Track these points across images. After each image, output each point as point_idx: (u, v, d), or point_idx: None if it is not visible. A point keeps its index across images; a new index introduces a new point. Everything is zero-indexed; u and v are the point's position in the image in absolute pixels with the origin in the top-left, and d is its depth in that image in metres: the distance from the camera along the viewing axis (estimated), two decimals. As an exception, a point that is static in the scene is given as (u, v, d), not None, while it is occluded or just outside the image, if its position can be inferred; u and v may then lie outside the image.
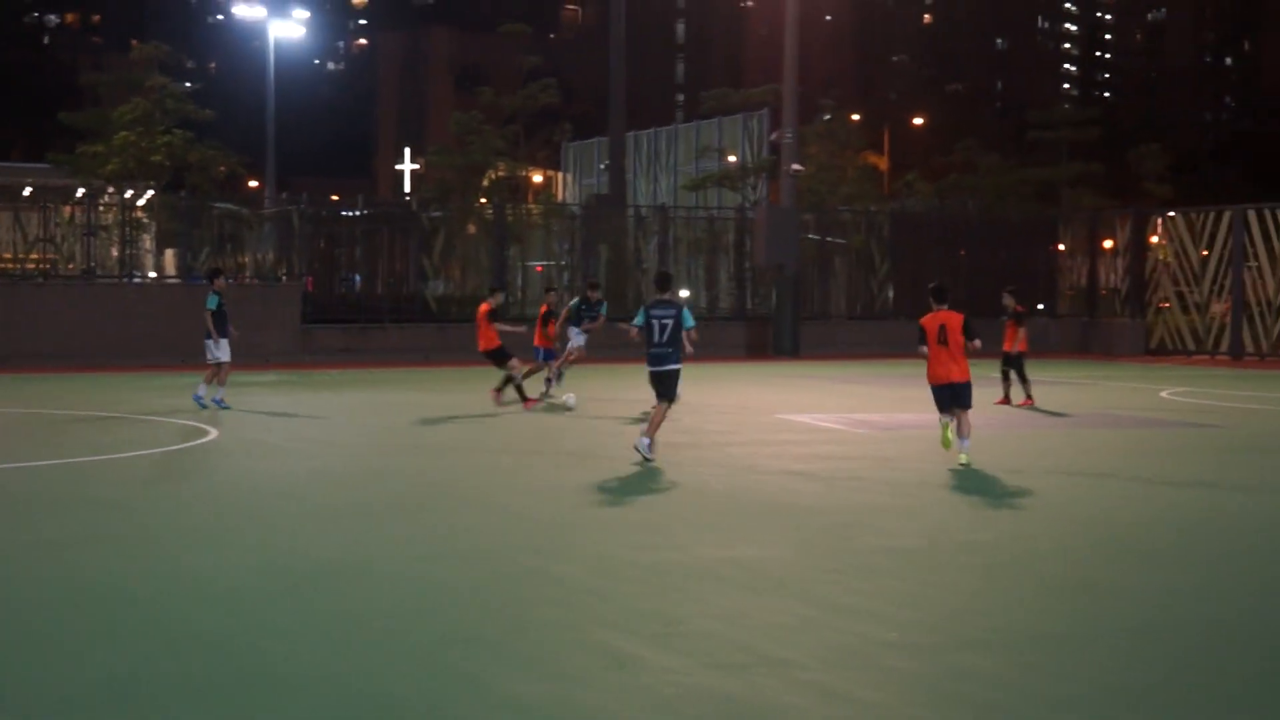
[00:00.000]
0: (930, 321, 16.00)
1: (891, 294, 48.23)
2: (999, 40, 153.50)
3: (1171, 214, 49.75)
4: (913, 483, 15.10)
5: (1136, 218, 50.48)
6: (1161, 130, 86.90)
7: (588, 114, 79.20)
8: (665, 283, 18.20)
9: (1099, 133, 67.26)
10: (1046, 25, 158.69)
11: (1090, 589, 9.83)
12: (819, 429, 20.86)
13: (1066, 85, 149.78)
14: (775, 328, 43.19)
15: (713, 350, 41.07)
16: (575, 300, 27.63)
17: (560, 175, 71.05)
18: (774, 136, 49.53)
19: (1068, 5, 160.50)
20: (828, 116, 61.10)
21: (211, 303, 22.65)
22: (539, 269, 45.96)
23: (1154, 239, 49.58)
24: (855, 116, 66.42)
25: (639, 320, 16.89)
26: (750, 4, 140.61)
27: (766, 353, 42.65)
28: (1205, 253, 46.47)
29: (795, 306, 42.89)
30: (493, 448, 18.72)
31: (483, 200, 49.43)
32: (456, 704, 7.01)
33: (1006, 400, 24.58)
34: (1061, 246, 52.29)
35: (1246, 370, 39.21)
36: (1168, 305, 47.01)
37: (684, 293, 46.14)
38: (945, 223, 51.58)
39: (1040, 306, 49.78)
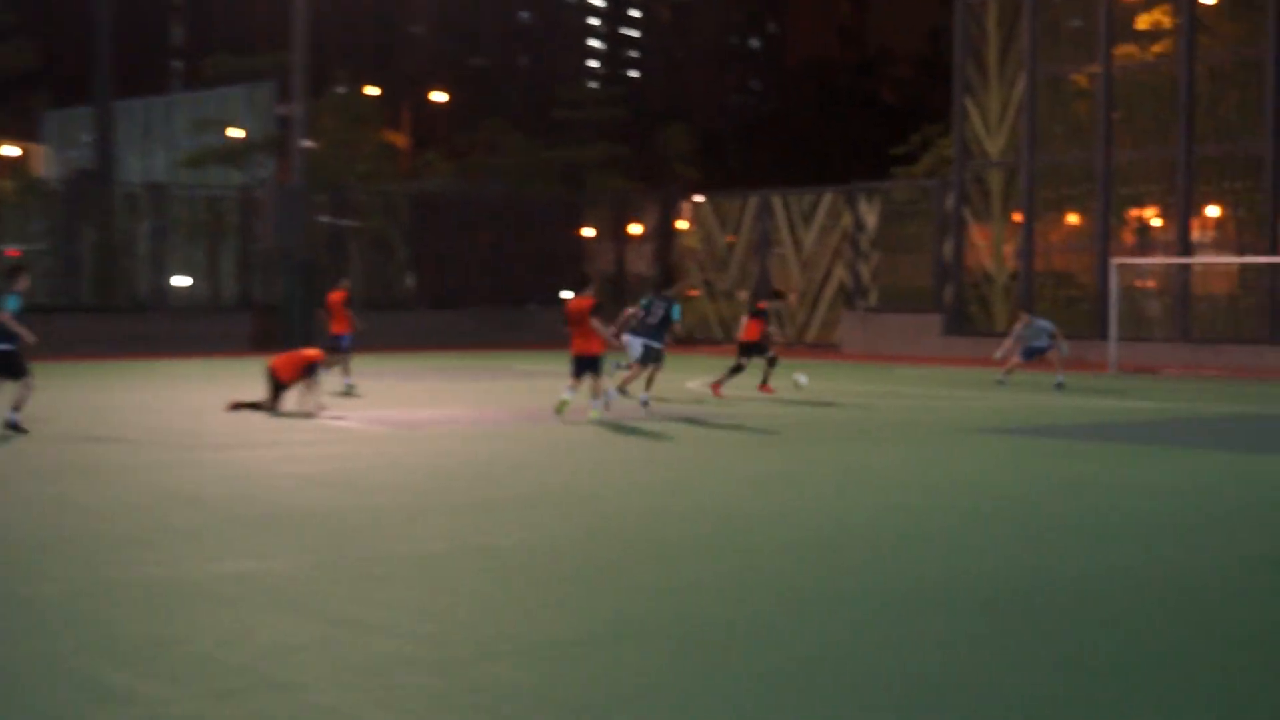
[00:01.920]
0: (572, 304, 20.60)
1: (413, 281, 48.41)
2: (523, 13, 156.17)
3: (699, 198, 51.54)
4: (430, 484, 15.14)
5: (664, 201, 52.15)
6: (689, 111, 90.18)
7: (72, 79, 76.40)
8: None
9: (626, 113, 69.40)
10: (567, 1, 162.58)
11: (611, 588, 10.01)
12: (334, 429, 20.59)
13: (593, 63, 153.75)
14: (285, 318, 42.38)
15: (217, 344, 40.29)
16: (648, 299, 24.64)
17: (39, 147, 68.66)
18: (282, 109, 48.91)
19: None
20: (342, 89, 61.15)
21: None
22: (13, 253, 43.92)
23: (680, 224, 51.20)
24: (372, 90, 66.50)
25: None
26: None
27: (276, 345, 41.99)
28: (732, 238, 48.24)
29: (307, 295, 42.21)
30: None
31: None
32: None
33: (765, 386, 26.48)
34: (589, 231, 53.39)
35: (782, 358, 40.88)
36: (696, 293, 48.58)
37: (185, 281, 45.07)
38: (468, 205, 52.03)
39: (566, 295, 50.80)
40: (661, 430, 20.78)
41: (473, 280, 49.11)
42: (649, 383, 22.92)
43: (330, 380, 23.80)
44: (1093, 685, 7.73)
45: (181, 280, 45.18)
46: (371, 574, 10.32)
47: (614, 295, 51.13)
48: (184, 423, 21.13)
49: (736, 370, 25.85)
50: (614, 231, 52.96)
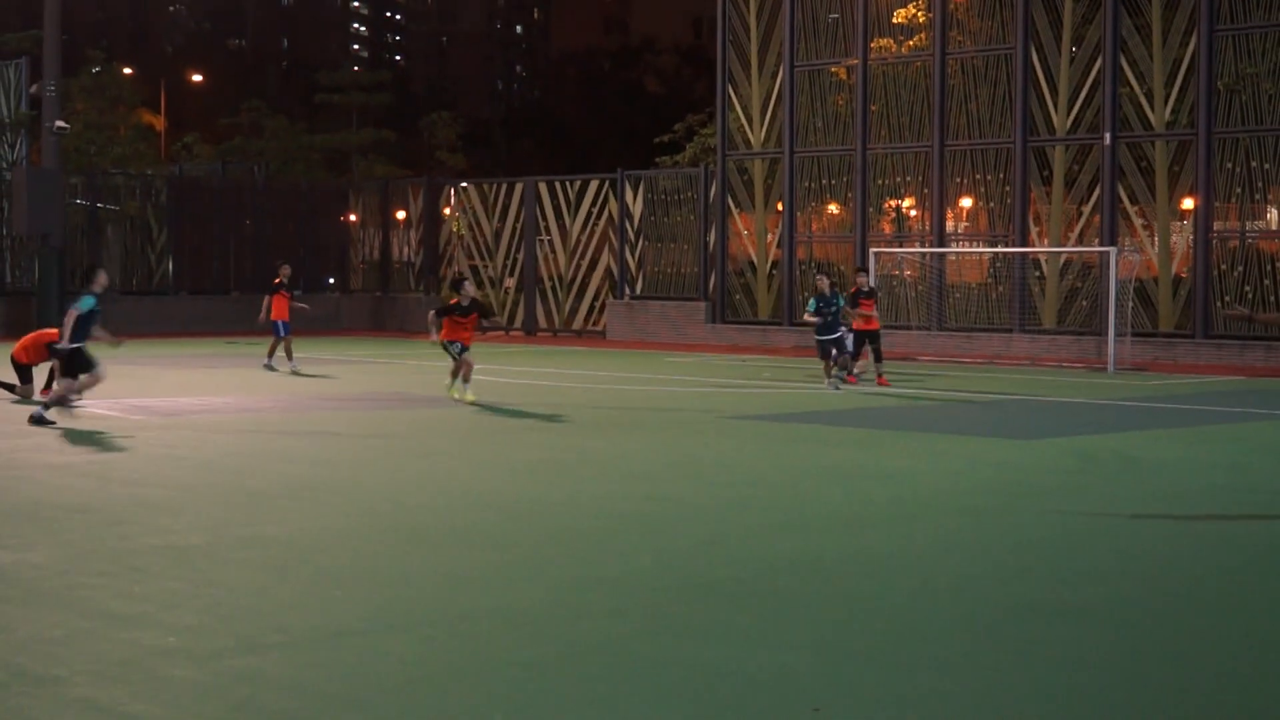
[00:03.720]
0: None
1: (171, 266, 47.54)
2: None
3: (465, 184, 51.43)
4: (191, 474, 14.89)
5: (429, 187, 51.81)
6: (454, 99, 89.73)
7: None
8: None
9: (391, 99, 68.76)
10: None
11: (376, 578, 9.99)
12: (93, 416, 20.11)
13: (357, 46, 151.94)
14: (40, 305, 41.25)
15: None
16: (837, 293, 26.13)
17: None
18: (34, 89, 47.46)
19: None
20: (97, 69, 59.50)
21: None
22: None
23: (447, 210, 50.97)
24: (128, 70, 65.25)
25: None
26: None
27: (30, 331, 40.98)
28: (499, 226, 48.17)
29: (62, 280, 41.21)
30: None
31: None
32: None
33: None
34: (354, 217, 52.96)
35: (542, 346, 40.92)
36: (466, 280, 48.36)
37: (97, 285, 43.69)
38: (229, 189, 51.17)
39: (330, 280, 50.30)
40: (424, 418, 20.81)
41: (234, 266, 48.37)
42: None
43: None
44: (843, 663, 7.99)
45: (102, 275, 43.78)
46: (132, 565, 10.20)
47: (381, 282, 50.92)
48: None
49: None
50: (379, 218, 52.56)
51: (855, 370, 26.69)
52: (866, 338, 26.54)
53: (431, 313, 23.24)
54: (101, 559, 10.43)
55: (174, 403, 22.45)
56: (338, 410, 21.63)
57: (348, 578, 10.08)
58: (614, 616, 9.02)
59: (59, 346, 20.90)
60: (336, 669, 7.71)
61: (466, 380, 22.57)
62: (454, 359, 22.52)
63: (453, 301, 22.41)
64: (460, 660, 7.97)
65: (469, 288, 22.76)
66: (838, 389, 24.98)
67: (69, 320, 19.92)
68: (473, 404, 22.07)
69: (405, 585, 9.80)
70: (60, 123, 43.05)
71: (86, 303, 19.57)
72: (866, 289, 26.96)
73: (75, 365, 19.76)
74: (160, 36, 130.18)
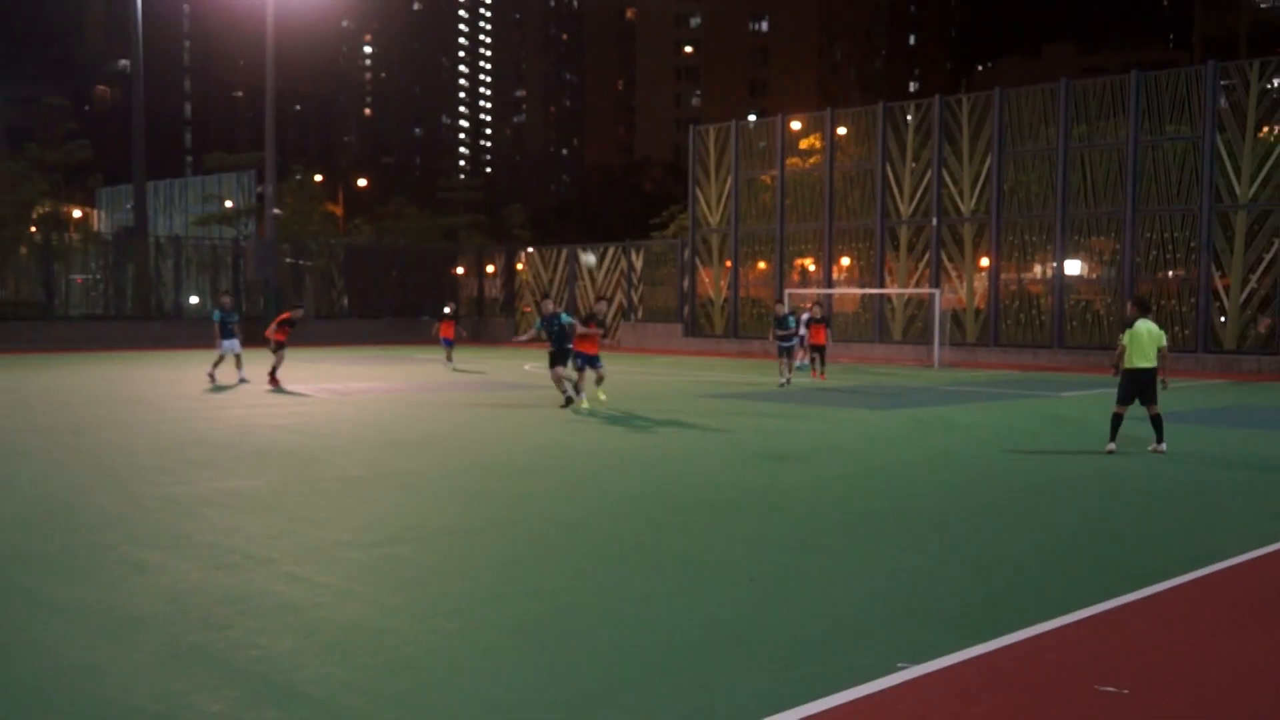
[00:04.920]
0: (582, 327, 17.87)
1: (346, 301, 47.76)
2: (417, 130, 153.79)
3: (530, 250, 51.45)
4: (356, 430, 14.88)
5: (508, 252, 52.05)
6: (523, 195, 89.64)
7: (116, 166, 73.33)
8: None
9: (483, 195, 68.88)
10: (448, 120, 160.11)
11: (472, 496, 9.94)
12: (299, 395, 20.19)
13: (462, 161, 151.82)
14: (263, 323, 41.42)
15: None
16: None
17: (95, 211, 65.83)
18: (260, 189, 47.62)
19: (461, 108, 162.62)
20: (298, 176, 59.64)
21: None
22: (80, 281, 42.35)
23: (519, 266, 51.11)
24: (318, 177, 65.11)
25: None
26: (240, 94, 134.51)
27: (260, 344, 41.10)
28: (552, 276, 48.31)
29: (278, 309, 41.38)
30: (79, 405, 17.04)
31: (32, 229, 45.19)
32: (13, 610, 6.28)
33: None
34: (460, 270, 53.03)
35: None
36: (529, 310, 48.57)
37: (195, 299, 43.76)
38: (383, 252, 51.12)
39: (447, 310, 50.38)
40: (505, 396, 20.91)
41: (385, 300, 48.42)
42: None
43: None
44: (780, 554, 8.15)
45: (193, 299, 43.86)
46: (320, 489, 10.32)
47: (478, 310, 51.04)
48: (195, 391, 20.53)
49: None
50: (476, 270, 52.70)
51: (798, 365, 25.82)
52: (816, 349, 25.78)
53: (526, 332, 22.56)
54: (300, 485, 10.55)
55: (347, 386, 22.46)
56: (455, 390, 21.73)
57: (455, 496, 10.18)
58: (630, 521, 9.18)
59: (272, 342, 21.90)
60: (450, 554, 7.85)
61: (598, 383, 18.52)
62: (576, 370, 17.97)
63: (526, 309, 21.67)
64: (529, 550, 8.13)
65: (548, 304, 18.09)
66: (786, 383, 23.27)
67: (272, 326, 21.84)
68: (585, 409, 17.60)
69: (490, 501, 9.91)
70: (276, 210, 43.21)
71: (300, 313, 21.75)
72: (818, 316, 26.24)
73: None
74: (339, 156, 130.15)
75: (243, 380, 22.19)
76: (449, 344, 29.35)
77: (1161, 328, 13.37)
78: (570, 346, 17.05)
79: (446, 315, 29.95)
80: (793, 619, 6.21)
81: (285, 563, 7.41)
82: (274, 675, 5.23)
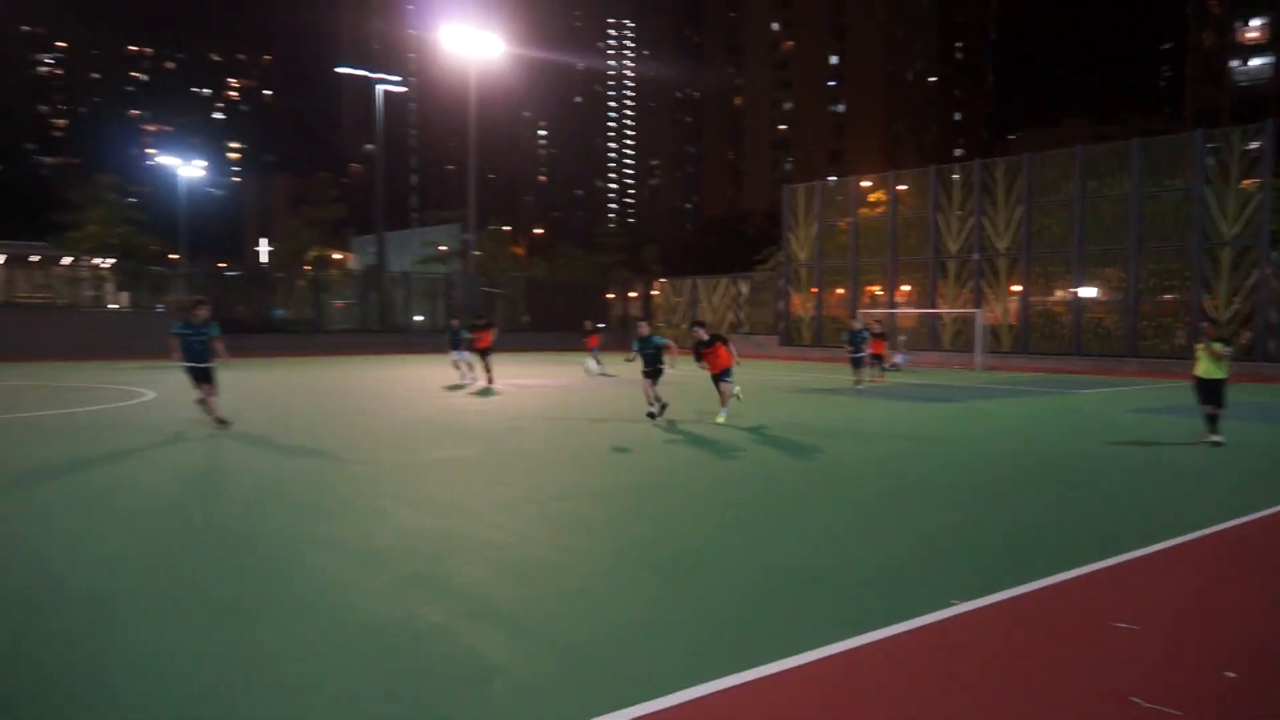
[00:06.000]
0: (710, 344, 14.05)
1: (528, 318, 48.52)
2: (578, 191, 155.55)
3: (662, 280, 51.49)
4: (536, 413, 14.79)
5: (646, 282, 52.16)
6: (657, 239, 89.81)
7: (364, 221, 75.98)
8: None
9: (627, 240, 69.21)
10: (600, 184, 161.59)
11: (629, 467, 9.82)
12: (493, 389, 20.38)
13: (611, 216, 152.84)
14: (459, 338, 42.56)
15: (437, 348, 40.18)
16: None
17: (350, 255, 68.33)
18: (464, 236, 48.69)
19: (610, 174, 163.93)
20: (492, 227, 60.74)
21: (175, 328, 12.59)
22: (339, 304, 44.01)
23: (654, 292, 51.17)
24: (506, 228, 66.20)
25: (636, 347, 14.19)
26: (451, 166, 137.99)
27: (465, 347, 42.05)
28: (679, 299, 48.26)
29: (475, 326, 42.34)
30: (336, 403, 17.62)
31: (307, 267, 47.13)
32: (293, 542, 6.52)
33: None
34: (610, 295, 53.39)
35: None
36: (661, 325, 48.69)
37: (420, 317, 44.99)
38: (553, 283, 51.82)
39: (600, 325, 50.81)
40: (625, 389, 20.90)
41: (555, 317, 49.03)
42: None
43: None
44: (854, 513, 7.95)
45: (418, 318, 45.10)
46: (506, 458, 10.35)
47: (623, 326, 51.26)
48: (421, 385, 20.74)
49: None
50: (621, 295, 52.96)
51: (881, 372, 24.27)
52: (876, 357, 24.24)
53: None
54: (493, 455, 10.58)
55: (527, 381, 22.58)
56: (600, 385, 21.83)
57: (611, 464, 10.06)
58: (750, 484, 9.01)
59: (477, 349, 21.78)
60: (608, 508, 7.76)
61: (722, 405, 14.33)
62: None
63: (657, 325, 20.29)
64: (674, 507, 8.06)
65: (643, 327, 14.21)
66: (860, 389, 20.92)
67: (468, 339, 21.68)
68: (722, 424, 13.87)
69: (641, 470, 9.76)
70: (476, 252, 44.18)
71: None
72: (877, 331, 24.59)
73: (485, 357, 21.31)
74: (521, 211, 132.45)
75: (463, 381, 22.04)
76: (594, 351, 28.54)
77: (1163, 340, 12.62)
78: (662, 367, 14.05)
79: (590, 330, 29.23)
80: (863, 563, 6.08)
81: (483, 512, 7.47)
82: (476, 595, 5.34)
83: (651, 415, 13.92)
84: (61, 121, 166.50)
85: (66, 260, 41.82)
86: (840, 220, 39.50)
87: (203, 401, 12.61)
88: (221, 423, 12.51)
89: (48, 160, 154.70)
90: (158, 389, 19.14)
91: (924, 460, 10.58)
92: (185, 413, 14.30)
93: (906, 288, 37.71)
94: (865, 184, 39.59)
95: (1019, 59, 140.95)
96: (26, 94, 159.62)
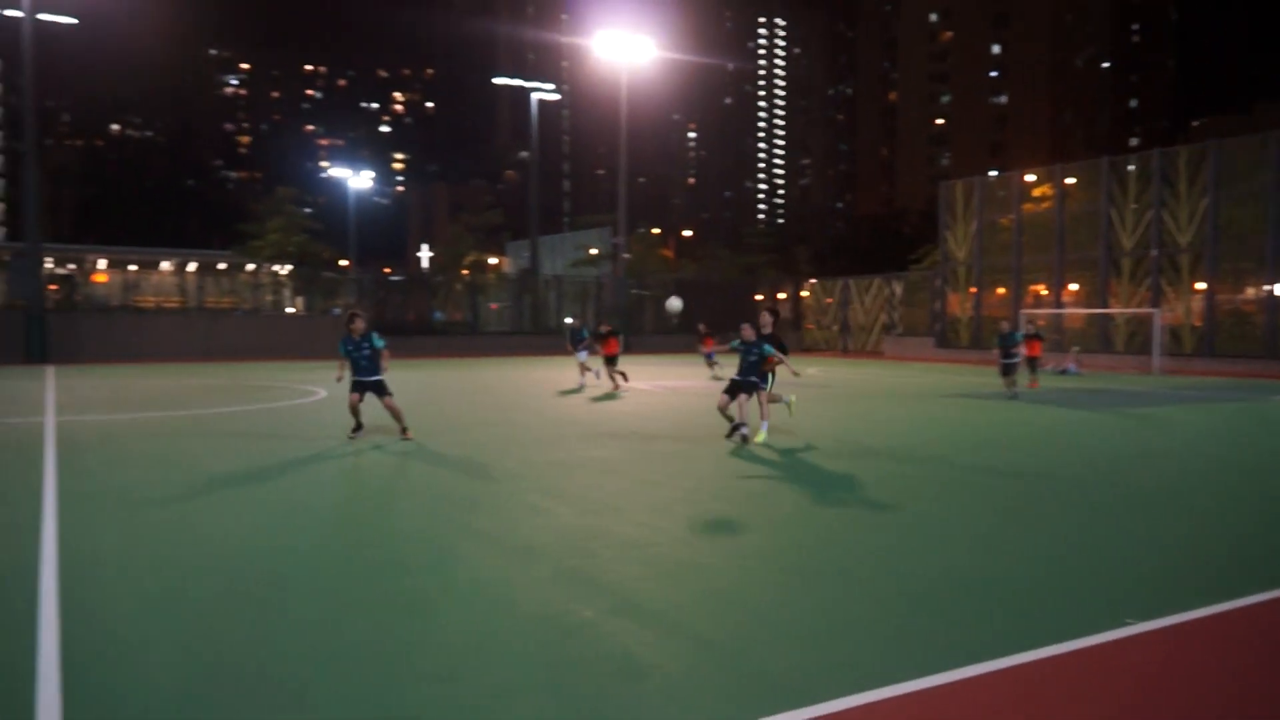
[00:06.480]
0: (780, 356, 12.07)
1: (677, 320, 48.73)
2: (727, 192, 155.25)
3: (813, 280, 50.72)
4: (678, 414, 14.82)
5: (796, 283, 51.52)
6: (807, 239, 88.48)
7: (518, 226, 78.33)
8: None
9: (776, 240, 68.51)
10: (750, 185, 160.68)
11: (768, 461, 9.67)
12: (639, 389, 20.60)
13: (761, 216, 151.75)
14: (617, 336, 42.98)
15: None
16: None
17: (505, 259, 70.61)
18: (615, 240, 49.51)
19: (760, 175, 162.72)
20: (641, 230, 61.38)
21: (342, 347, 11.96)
22: (494, 307, 45.56)
23: (804, 294, 50.46)
24: (656, 231, 66.71)
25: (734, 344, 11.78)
26: (601, 172, 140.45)
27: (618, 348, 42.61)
28: (830, 300, 47.43)
29: (625, 327, 42.86)
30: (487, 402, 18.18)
31: (464, 271, 48.98)
32: (452, 536, 6.77)
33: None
34: (759, 296, 53.00)
35: (852, 359, 40.02)
36: (811, 326, 47.97)
37: (570, 320, 46.08)
38: (702, 284, 51.83)
39: (702, 328, 50.51)
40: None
41: (705, 317, 48.90)
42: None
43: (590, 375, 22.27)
44: (1012, 521, 7.59)
45: (569, 320, 46.08)
46: (654, 458, 10.35)
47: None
48: (571, 385, 20.81)
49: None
50: (770, 296, 52.45)
51: (1036, 377, 22.12)
52: (1030, 360, 22.07)
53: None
54: (641, 454, 10.62)
55: (675, 383, 22.58)
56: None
57: (756, 463, 9.99)
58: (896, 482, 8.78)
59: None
60: (755, 510, 7.66)
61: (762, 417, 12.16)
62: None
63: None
64: (817, 508, 7.92)
65: (747, 330, 11.73)
66: (1014, 396, 18.88)
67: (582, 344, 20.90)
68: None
69: (785, 468, 9.59)
70: (626, 255, 44.74)
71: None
72: (1033, 334, 22.72)
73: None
74: (670, 214, 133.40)
75: (585, 381, 21.31)
76: (711, 356, 26.21)
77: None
78: (756, 379, 11.64)
79: (705, 333, 27.30)
80: (1028, 573, 5.78)
81: (632, 512, 7.52)
82: (626, 593, 5.39)
83: (744, 437, 11.35)
84: (245, 139, 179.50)
85: (250, 267, 45.05)
86: (1002, 216, 37.87)
87: (356, 411, 11.77)
88: (405, 431, 11.88)
89: (233, 175, 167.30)
90: (329, 388, 20.27)
91: (1090, 471, 9.98)
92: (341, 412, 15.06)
93: (1074, 286, 35.76)
94: (1029, 178, 37.79)
95: (1203, 40, 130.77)
96: (215, 114, 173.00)
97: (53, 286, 39.85)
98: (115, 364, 30.88)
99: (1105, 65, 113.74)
